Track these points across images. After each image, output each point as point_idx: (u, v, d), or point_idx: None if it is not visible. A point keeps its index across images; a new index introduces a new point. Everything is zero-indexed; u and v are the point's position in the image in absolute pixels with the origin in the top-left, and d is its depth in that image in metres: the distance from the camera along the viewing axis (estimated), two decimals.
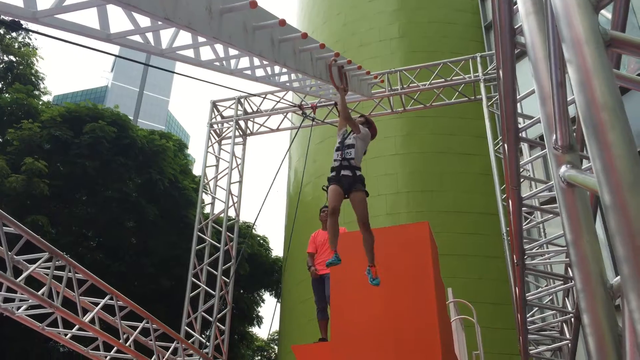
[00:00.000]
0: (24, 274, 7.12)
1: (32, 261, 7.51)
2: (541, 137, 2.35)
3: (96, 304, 8.33)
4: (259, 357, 33.48)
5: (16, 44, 21.63)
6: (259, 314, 24.63)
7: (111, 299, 8.42)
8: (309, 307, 10.83)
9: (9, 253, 6.86)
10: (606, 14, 2.48)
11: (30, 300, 7.32)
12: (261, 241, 24.03)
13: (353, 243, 6.63)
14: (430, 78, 13.32)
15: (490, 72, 13.09)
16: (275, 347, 32.04)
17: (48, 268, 7.42)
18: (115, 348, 8.76)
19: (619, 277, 1.32)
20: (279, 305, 20.52)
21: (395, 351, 5.97)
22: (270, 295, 25.60)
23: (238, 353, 24.36)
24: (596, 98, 1.32)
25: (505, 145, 4.77)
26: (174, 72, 6.95)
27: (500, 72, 3.71)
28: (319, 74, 6.67)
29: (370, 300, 6.34)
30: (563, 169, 1.72)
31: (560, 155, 1.76)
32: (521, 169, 5.60)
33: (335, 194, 6.07)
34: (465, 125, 18.09)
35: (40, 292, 7.15)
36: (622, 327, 1.46)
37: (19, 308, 7.61)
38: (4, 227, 6.74)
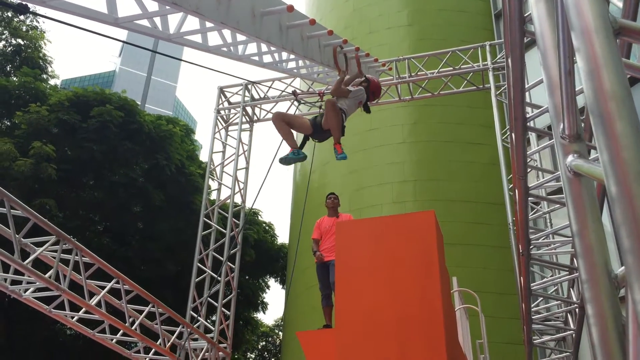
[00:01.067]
0: (31, 257, 7.18)
1: (40, 244, 7.56)
2: (549, 127, 2.34)
3: (102, 288, 8.40)
4: (264, 343, 33.69)
5: (24, 27, 21.62)
6: (264, 300, 24.75)
7: (117, 282, 8.48)
8: (314, 294, 10.88)
9: (17, 236, 6.91)
10: (617, 2, 2.45)
11: (37, 283, 7.39)
12: (267, 227, 24.08)
13: (359, 230, 6.64)
14: (438, 66, 13.24)
15: (499, 60, 13.00)
16: (280, 333, 32.23)
17: (55, 251, 7.48)
18: (121, 331, 8.84)
19: (623, 267, 1.32)
20: (282, 291, 20.63)
21: (399, 339, 5.99)
22: (275, 281, 25.71)
23: (243, 338, 24.51)
24: (604, 87, 1.31)
25: (513, 134, 4.75)
26: (180, 60, 6.94)
27: (509, 61, 3.68)
28: (326, 61, 6.64)
29: (374, 287, 6.35)
30: (570, 158, 1.71)
31: (568, 145, 1.75)
32: (528, 159, 5.58)
33: (298, 118, 6.40)
34: (473, 114, 18.00)
35: (47, 275, 7.21)
36: (625, 317, 1.46)
37: (26, 290, 7.68)
38: (11, 210, 6.78)
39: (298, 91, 12.46)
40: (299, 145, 6.20)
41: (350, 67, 7.08)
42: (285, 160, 6.01)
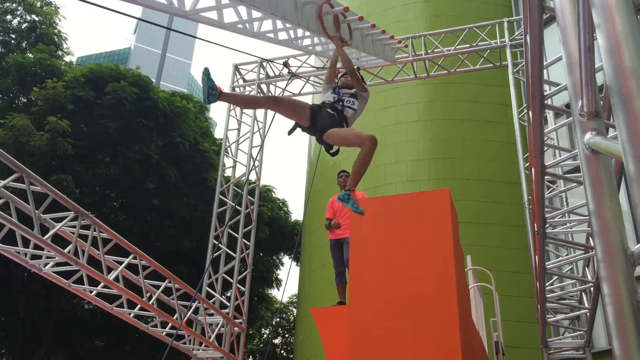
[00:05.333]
0: (51, 232, 7.29)
1: (59, 220, 7.67)
2: (567, 105, 2.31)
3: (120, 263, 8.52)
4: (278, 319, 34.05)
5: (38, 3, 21.64)
6: (278, 276, 24.95)
7: (135, 258, 8.60)
8: (328, 271, 10.95)
9: (36, 211, 7.01)
10: None
11: (56, 258, 7.51)
12: (280, 204, 24.17)
13: (373, 209, 6.64)
14: (455, 43, 13.08)
15: (517, 37, 12.81)
16: (294, 309, 32.54)
17: (74, 227, 7.58)
18: (138, 306, 8.98)
19: (639, 245, 1.32)
20: (297, 268, 20.77)
21: (412, 316, 6.03)
22: (290, 259, 25.89)
23: (257, 314, 24.79)
24: (625, 65, 1.29)
25: (530, 112, 4.70)
26: (195, 37, 6.93)
27: (528, 38, 3.64)
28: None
29: (388, 265, 6.38)
30: (588, 135, 1.70)
31: (586, 122, 1.74)
32: (545, 137, 5.53)
33: (299, 103, 5.11)
34: (489, 92, 17.83)
35: (66, 250, 7.33)
36: None
37: (45, 265, 7.82)
38: (31, 186, 6.87)
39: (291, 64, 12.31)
40: (288, 130, 5.18)
41: (353, 35, 6.18)
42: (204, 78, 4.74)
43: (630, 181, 1.26)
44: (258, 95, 5.06)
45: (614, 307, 1.56)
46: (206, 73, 4.63)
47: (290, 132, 5.16)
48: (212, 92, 4.63)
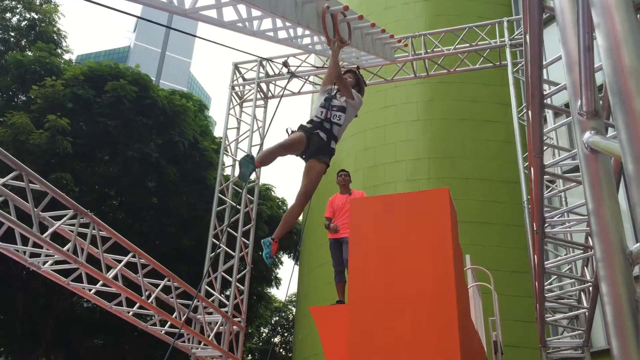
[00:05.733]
0: (50, 230, 7.28)
1: (58, 218, 7.67)
2: (566, 105, 2.32)
3: (119, 261, 8.52)
4: (277, 318, 34.07)
5: (38, 1, 21.61)
6: (277, 275, 24.94)
7: (134, 256, 8.60)
8: (327, 270, 10.95)
9: (35, 209, 7.01)
10: None
11: (55, 256, 7.51)
12: (280, 203, 24.16)
13: (373, 207, 6.64)
14: (454, 43, 13.08)
15: (516, 37, 12.81)
16: (293, 308, 32.55)
17: (73, 225, 7.58)
18: (137, 304, 8.98)
19: (638, 244, 1.32)
20: (297, 267, 20.77)
21: (411, 315, 6.03)
22: (289, 258, 25.88)
23: (257, 313, 24.78)
24: (624, 64, 1.29)
25: (530, 111, 4.71)
26: (195, 36, 6.93)
27: (527, 37, 3.64)
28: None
29: (388, 264, 6.37)
30: (587, 134, 1.70)
31: (585, 121, 1.74)
32: (545, 137, 5.53)
33: (296, 141, 5.08)
34: (488, 91, 17.84)
35: (65, 248, 7.32)
36: (639, 294, 1.47)
37: (44, 263, 7.82)
38: (30, 184, 6.87)
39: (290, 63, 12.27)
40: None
41: (353, 36, 6.09)
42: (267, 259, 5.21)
43: (629, 181, 1.26)
44: (272, 149, 5.03)
45: (613, 306, 1.56)
46: (249, 161, 4.93)
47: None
48: (251, 168, 4.98)
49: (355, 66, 7.00)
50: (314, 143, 5.11)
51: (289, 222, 5.38)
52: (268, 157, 5.07)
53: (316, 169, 5.13)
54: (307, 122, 5.30)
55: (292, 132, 5.17)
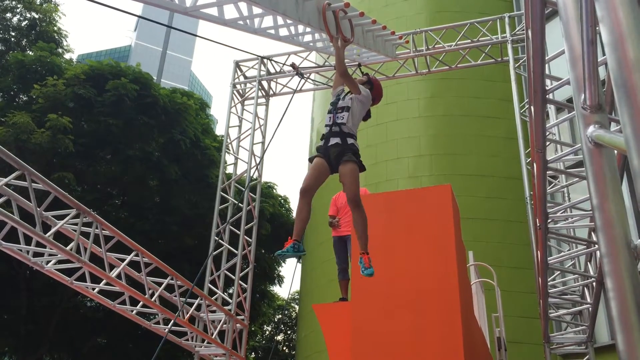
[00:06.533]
0: (53, 230, 7.28)
1: (60, 217, 7.67)
2: (569, 100, 2.31)
3: (122, 260, 8.52)
4: (280, 316, 34.11)
5: (38, 0, 21.61)
6: (280, 273, 24.97)
7: (137, 255, 8.60)
8: (330, 268, 10.95)
9: (38, 209, 7.01)
10: None
11: (59, 255, 7.51)
12: (282, 201, 24.17)
13: (375, 204, 6.64)
14: (456, 39, 13.05)
15: (518, 32, 12.78)
16: (296, 306, 32.58)
17: (76, 224, 7.59)
18: (141, 303, 8.99)
19: None
20: (299, 265, 20.79)
21: (415, 312, 6.03)
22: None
23: (260, 311, 24.82)
24: (628, 58, 1.29)
25: (532, 107, 4.69)
26: (196, 35, 6.93)
27: (529, 32, 3.62)
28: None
29: (391, 261, 6.38)
30: (591, 129, 1.69)
31: (589, 115, 1.73)
32: (547, 132, 5.52)
33: (315, 170, 5.00)
34: (490, 87, 17.82)
35: (68, 248, 7.33)
36: None
37: (48, 262, 7.83)
38: (32, 184, 6.88)
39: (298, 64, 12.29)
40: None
41: (355, 33, 5.98)
42: (283, 257, 4.96)
43: (635, 175, 1.25)
44: (304, 187, 4.91)
45: (618, 301, 1.55)
46: (285, 256, 4.90)
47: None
48: (299, 250, 4.92)
49: (357, 63, 6.97)
50: (333, 153, 4.97)
51: (358, 232, 5.04)
52: (308, 193, 4.98)
53: (345, 171, 4.89)
54: (321, 139, 5.19)
55: (311, 158, 5.11)
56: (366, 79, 5.67)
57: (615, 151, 1.66)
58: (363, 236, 4.95)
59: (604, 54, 1.40)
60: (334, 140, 4.99)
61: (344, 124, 5.03)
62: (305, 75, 12.37)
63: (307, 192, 4.95)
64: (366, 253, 4.95)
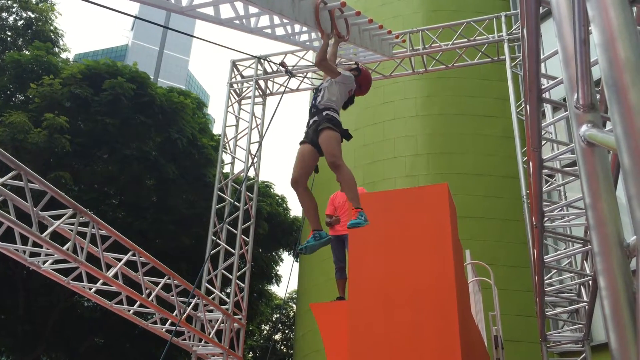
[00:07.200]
0: (49, 230, 7.28)
1: (57, 217, 7.67)
2: (564, 99, 2.32)
3: (119, 260, 8.52)
4: (278, 315, 34.11)
5: (34, 0, 21.56)
6: (278, 272, 24.97)
7: (134, 255, 8.60)
8: (328, 267, 10.95)
9: (34, 209, 7.01)
10: None
11: (55, 255, 7.51)
12: (279, 200, 24.16)
13: (373, 204, 6.65)
14: (452, 38, 13.07)
15: (514, 31, 12.80)
16: (294, 305, 32.58)
17: (72, 224, 7.58)
18: (138, 303, 8.99)
19: (635, 237, 1.32)
20: (297, 264, 20.79)
21: (411, 311, 6.04)
22: (289, 255, 25.88)
23: (257, 310, 24.80)
24: (619, 58, 1.29)
25: (528, 106, 4.71)
26: (192, 36, 6.93)
27: (524, 31, 3.64)
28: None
29: (388, 260, 6.39)
30: (584, 128, 1.70)
31: (581, 115, 1.74)
32: (543, 131, 5.53)
33: (300, 159, 5.02)
34: (487, 86, 17.84)
35: (65, 248, 7.32)
36: (636, 287, 1.47)
37: (44, 262, 7.82)
38: (29, 184, 6.87)
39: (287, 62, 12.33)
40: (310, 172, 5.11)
41: (351, 32, 6.04)
42: (307, 250, 4.85)
43: (625, 174, 1.26)
44: (295, 177, 4.86)
45: (611, 300, 1.56)
46: (311, 249, 4.84)
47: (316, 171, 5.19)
48: (322, 239, 4.85)
49: (354, 62, 6.97)
50: (312, 132, 5.03)
51: (346, 191, 5.01)
52: (298, 184, 4.97)
53: (322, 139, 4.87)
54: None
55: (300, 142, 5.16)
56: (355, 67, 5.75)
57: (609, 150, 1.67)
58: (354, 196, 4.90)
59: (597, 54, 1.40)
60: (312, 120, 5.12)
61: (320, 102, 5.15)
62: (294, 74, 12.40)
63: (297, 182, 4.95)
64: (359, 208, 4.88)
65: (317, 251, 5.08)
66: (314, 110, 5.15)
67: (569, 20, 1.89)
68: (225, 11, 5.52)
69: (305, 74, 13.89)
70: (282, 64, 7.98)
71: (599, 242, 1.60)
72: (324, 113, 5.04)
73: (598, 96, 3.56)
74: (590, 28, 1.46)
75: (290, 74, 8.69)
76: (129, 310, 9.13)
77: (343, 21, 5.99)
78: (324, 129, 4.91)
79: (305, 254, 5.18)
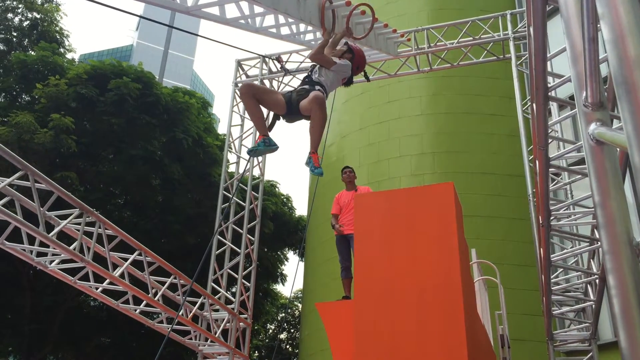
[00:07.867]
0: (56, 229, 7.30)
1: (63, 217, 7.69)
2: (571, 97, 2.31)
3: (125, 260, 8.54)
4: (283, 314, 34.12)
5: (39, 0, 21.62)
6: (283, 272, 24.98)
7: (140, 254, 8.61)
8: (333, 266, 10.95)
9: (41, 209, 7.03)
10: None
11: (62, 255, 7.53)
12: (285, 200, 24.18)
13: (378, 203, 6.64)
14: (458, 36, 13.03)
15: (520, 30, 12.76)
16: (299, 304, 32.59)
17: (79, 224, 7.60)
18: (144, 302, 9.00)
19: None
20: (302, 264, 20.79)
21: (417, 310, 6.03)
22: (294, 254, 25.90)
23: (263, 310, 24.84)
24: (629, 55, 1.28)
25: (534, 104, 4.69)
26: (197, 35, 6.93)
27: (531, 29, 3.62)
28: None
29: (393, 259, 6.38)
30: (592, 126, 1.69)
31: (590, 113, 1.73)
32: (550, 130, 5.51)
33: (270, 93, 5.33)
34: (492, 85, 17.79)
35: (71, 247, 7.35)
36: None
37: (51, 262, 7.84)
38: (35, 184, 6.89)
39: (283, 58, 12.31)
40: (268, 126, 5.29)
41: (338, 27, 6.12)
42: (253, 152, 5.18)
43: (637, 172, 1.25)
44: (248, 104, 5.11)
45: (620, 298, 1.55)
46: (257, 152, 5.19)
47: (270, 129, 5.34)
48: (270, 145, 5.11)
49: (344, 44, 6.94)
50: (296, 94, 5.13)
51: (312, 130, 5.11)
52: (246, 95, 5.09)
53: (309, 97, 4.97)
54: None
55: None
56: (346, 48, 5.79)
57: (617, 149, 1.66)
58: (317, 137, 5.04)
59: (605, 51, 1.40)
60: (302, 87, 5.24)
61: (315, 77, 5.33)
62: (289, 71, 12.42)
63: (248, 93, 5.07)
64: (315, 152, 5.07)
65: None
66: (307, 80, 5.31)
67: (577, 18, 1.88)
68: (231, 11, 5.54)
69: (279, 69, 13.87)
70: (279, 59, 8.00)
71: (608, 241, 1.59)
72: (316, 87, 5.18)
73: (605, 94, 3.54)
74: (598, 25, 1.45)
75: (286, 70, 8.69)
76: (136, 310, 9.15)
77: (346, 19, 6.01)
78: (312, 90, 5.06)
79: (254, 157, 5.32)
